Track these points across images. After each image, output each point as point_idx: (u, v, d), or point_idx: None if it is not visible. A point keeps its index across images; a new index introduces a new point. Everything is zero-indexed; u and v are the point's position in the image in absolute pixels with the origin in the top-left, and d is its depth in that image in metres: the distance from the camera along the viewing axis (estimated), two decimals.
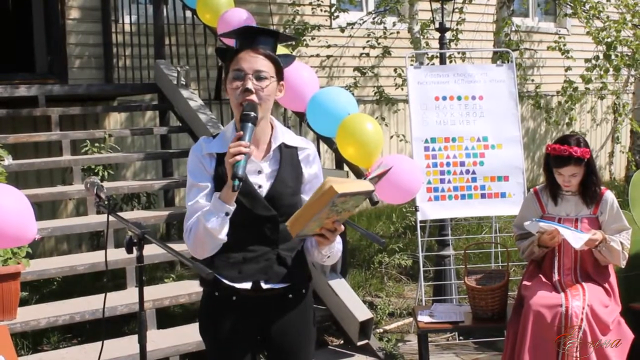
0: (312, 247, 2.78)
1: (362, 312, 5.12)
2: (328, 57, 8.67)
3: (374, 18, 8.25)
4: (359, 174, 5.07)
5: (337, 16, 8.23)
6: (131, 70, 7.65)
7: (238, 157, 2.52)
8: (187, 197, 2.77)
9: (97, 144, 6.56)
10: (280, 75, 2.75)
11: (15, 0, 9.49)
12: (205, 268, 2.56)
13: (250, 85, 2.66)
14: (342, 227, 2.63)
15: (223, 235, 2.64)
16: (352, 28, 8.24)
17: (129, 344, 4.63)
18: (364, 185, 2.59)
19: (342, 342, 5.31)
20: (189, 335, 4.89)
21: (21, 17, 8.90)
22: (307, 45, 8.13)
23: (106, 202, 3.14)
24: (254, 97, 2.66)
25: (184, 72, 6.83)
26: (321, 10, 8.54)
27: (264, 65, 2.68)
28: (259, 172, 2.77)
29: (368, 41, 8.35)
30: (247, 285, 2.76)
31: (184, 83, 6.81)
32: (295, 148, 2.84)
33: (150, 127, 7.63)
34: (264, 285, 2.76)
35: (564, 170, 4.22)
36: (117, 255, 5.16)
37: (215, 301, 2.83)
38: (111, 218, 3.14)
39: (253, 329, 2.82)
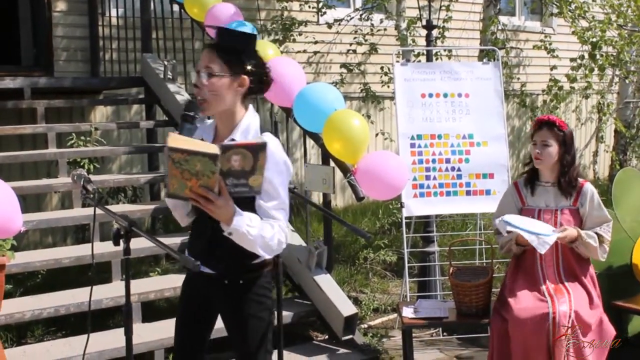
0: None
1: (346, 308, 5.14)
2: (315, 53, 8.67)
3: (361, 15, 8.27)
4: (346, 170, 5.09)
5: (325, 12, 8.24)
6: (117, 63, 7.64)
7: None
8: None
9: (83, 137, 6.54)
10: (237, 71, 2.86)
11: None
12: (193, 260, 2.59)
13: (197, 81, 2.84)
14: (211, 196, 2.65)
15: (178, 216, 3.04)
16: (339, 24, 8.25)
17: (114, 337, 4.63)
18: (207, 147, 2.60)
19: (326, 337, 5.33)
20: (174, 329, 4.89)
21: (7, 9, 8.84)
22: (294, 41, 8.13)
23: (93, 195, 3.15)
24: (201, 93, 2.85)
25: (170, 66, 6.82)
26: (309, 6, 8.55)
27: (214, 62, 2.83)
28: None
29: (355, 38, 8.36)
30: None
31: (170, 77, 6.80)
32: None
33: (137, 121, 7.62)
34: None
35: (538, 135, 4.25)
36: (102, 248, 5.16)
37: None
38: (98, 211, 3.15)
39: (199, 300, 3.11)
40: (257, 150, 2.62)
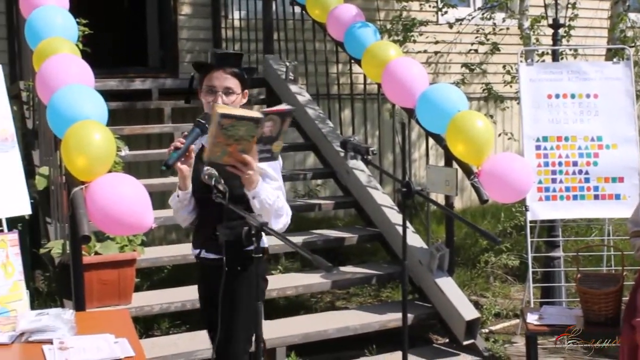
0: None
1: (469, 311, 5.06)
2: (435, 53, 8.58)
3: (483, 14, 8.11)
4: (469, 171, 5.01)
5: (446, 12, 8.13)
6: None
7: (170, 149, 3.10)
8: None
9: None
10: (244, 87, 3.34)
11: None
12: (325, 261, 2.61)
13: (220, 101, 3.22)
14: (249, 160, 3.01)
15: (185, 213, 3.34)
16: (460, 24, 8.13)
17: None
18: (251, 113, 2.96)
19: (447, 340, 5.27)
20: (295, 327, 4.97)
21: (135, 12, 9.18)
22: (415, 41, 8.07)
23: (224, 194, 3.22)
24: None
25: (292, 67, 6.90)
26: (429, 5, 8.47)
27: (231, 82, 3.27)
28: None
29: (477, 37, 8.22)
30: (196, 252, 3.43)
31: (292, 78, 6.87)
32: None
33: None
34: (202, 254, 3.38)
35: None
36: None
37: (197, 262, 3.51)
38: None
39: (205, 288, 3.46)
40: (286, 115, 3.01)
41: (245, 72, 3.36)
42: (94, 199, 3.89)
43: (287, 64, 6.92)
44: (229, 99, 3.24)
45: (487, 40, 8.15)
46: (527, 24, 7.63)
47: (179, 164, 3.14)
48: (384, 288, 6.43)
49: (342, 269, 5.59)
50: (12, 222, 4.38)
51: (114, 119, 6.70)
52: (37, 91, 4.66)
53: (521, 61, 5.78)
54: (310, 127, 6.54)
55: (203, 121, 3.15)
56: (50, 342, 2.89)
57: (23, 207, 4.22)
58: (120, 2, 9.87)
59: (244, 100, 3.35)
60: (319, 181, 7.85)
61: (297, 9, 7.05)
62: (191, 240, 3.55)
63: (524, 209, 5.51)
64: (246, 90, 3.36)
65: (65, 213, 4.41)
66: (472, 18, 8.17)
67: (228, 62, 3.31)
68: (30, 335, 2.94)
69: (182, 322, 5.47)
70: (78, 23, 5.08)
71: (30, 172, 5.45)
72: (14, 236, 4.09)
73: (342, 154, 6.00)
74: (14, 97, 5.90)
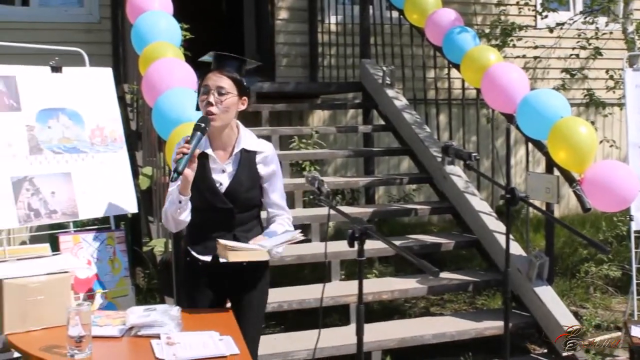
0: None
1: (568, 322, 4.93)
2: (535, 58, 8.42)
3: (585, 18, 7.92)
4: (571, 179, 4.90)
5: (546, 16, 7.97)
6: (335, 69, 7.83)
7: (178, 156, 3.13)
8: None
9: (303, 140, 6.76)
10: (242, 92, 3.33)
11: (228, 3, 10.02)
12: (431, 266, 2.60)
13: (212, 98, 3.26)
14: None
15: (183, 218, 3.29)
16: (560, 28, 7.95)
17: (332, 335, 4.75)
18: (257, 254, 3.26)
19: (545, 351, 5.15)
20: (390, 331, 4.95)
21: (234, 17, 9.36)
22: (514, 46, 7.95)
23: (327, 196, 3.26)
24: (213, 109, 3.26)
25: (389, 72, 6.89)
26: (528, 9, 8.33)
27: (225, 83, 3.29)
28: (223, 171, 3.38)
29: (578, 42, 8.04)
30: (208, 258, 3.43)
31: (389, 82, 6.86)
32: (254, 152, 3.42)
33: (355, 125, 7.78)
34: (221, 260, 3.36)
35: None
36: (322, 248, 5.29)
37: (187, 265, 3.52)
38: (322, 212, 3.27)
39: (213, 288, 3.48)
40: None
41: (247, 79, 3.37)
42: None
43: (384, 68, 6.91)
44: (221, 98, 3.25)
45: (589, 44, 7.94)
46: (631, 28, 7.41)
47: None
48: (479, 295, 6.34)
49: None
50: (116, 220, 4.53)
51: None
52: (142, 94, 4.79)
53: (627, 67, 5.62)
54: (407, 132, 6.51)
55: (203, 124, 3.20)
56: (157, 337, 2.97)
57: (130, 206, 4.37)
58: (219, 7, 10.08)
59: (242, 107, 3.36)
60: (413, 186, 7.82)
61: (394, 14, 7.04)
62: (190, 245, 3.49)
63: (627, 218, 5.34)
64: (245, 97, 3.35)
65: None
66: (574, 22, 7.98)
67: (226, 64, 3.33)
68: (139, 329, 3.02)
69: (277, 323, 5.52)
70: (180, 28, 5.20)
71: (133, 172, 5.61)
72: (120, 234, 4.25)
73: (439, 159, 5.95)
74: (118, 99, 6.07)
